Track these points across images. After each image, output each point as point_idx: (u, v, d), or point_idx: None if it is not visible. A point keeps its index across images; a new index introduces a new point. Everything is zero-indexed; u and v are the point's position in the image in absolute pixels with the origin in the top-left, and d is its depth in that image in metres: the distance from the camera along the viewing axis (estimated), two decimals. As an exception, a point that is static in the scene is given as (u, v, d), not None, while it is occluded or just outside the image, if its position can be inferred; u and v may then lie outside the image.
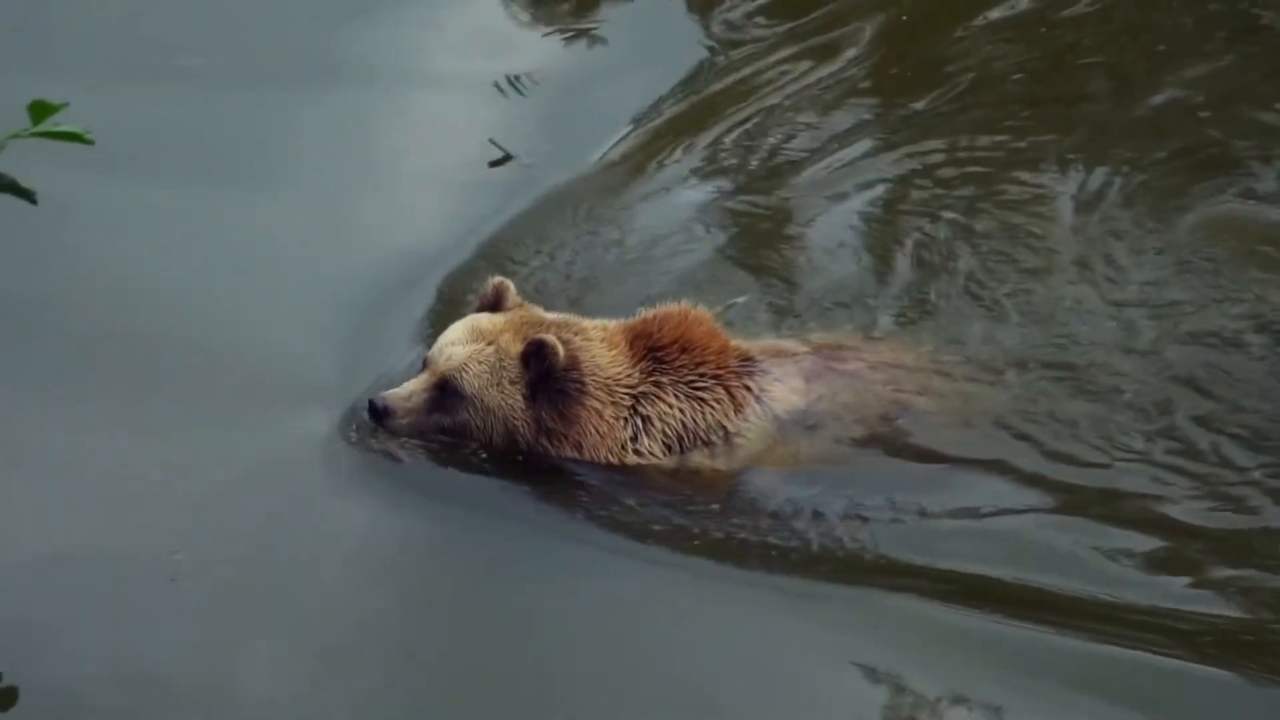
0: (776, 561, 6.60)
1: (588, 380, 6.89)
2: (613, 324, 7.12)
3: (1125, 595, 6.45)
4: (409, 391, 6.88)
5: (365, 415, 6.90)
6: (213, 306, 7.85)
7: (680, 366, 7.01)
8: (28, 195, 5.01)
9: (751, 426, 7.01)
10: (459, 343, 6.90)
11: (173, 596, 6.38)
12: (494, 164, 8.98)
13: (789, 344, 7.33)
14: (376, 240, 8.37)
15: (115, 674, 6.09)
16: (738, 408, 7.01)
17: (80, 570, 6.47)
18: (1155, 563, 6.61)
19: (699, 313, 7.11)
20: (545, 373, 6.83)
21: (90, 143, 4.90)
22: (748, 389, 7.04)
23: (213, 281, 8.01)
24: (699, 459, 6.99)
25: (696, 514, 6.83)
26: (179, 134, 8.95)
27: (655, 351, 7.01)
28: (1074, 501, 6.87)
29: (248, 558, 6.59)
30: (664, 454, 6.97)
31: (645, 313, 7.16)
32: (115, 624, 6.27)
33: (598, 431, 6.91)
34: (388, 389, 6.93)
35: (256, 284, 8.04)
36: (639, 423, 6.95)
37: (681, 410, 6.97)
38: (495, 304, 7.08)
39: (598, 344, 6.98)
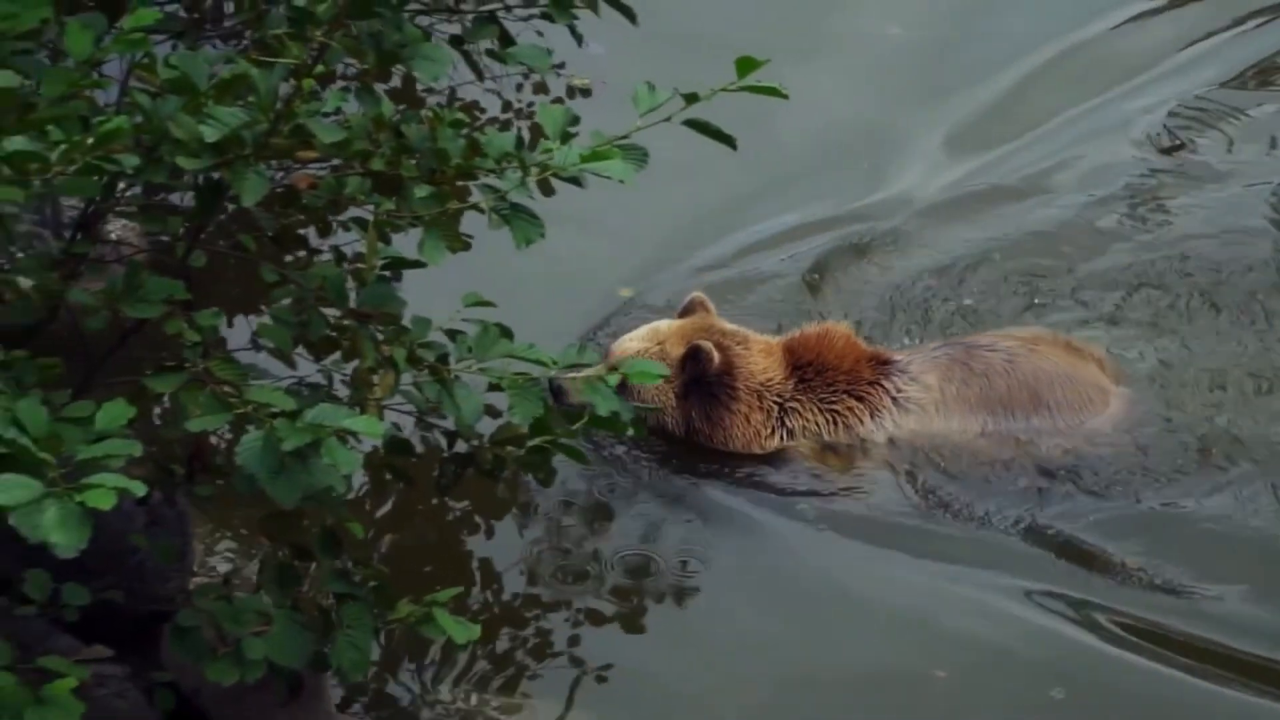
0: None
1: (739, 385, 7.49)
2: (775, 339, 7.70)
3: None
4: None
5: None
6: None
7: (817, 387, 7.57)
8: (728, 140, 5.08)
9: (885, 427, 7.50)
10: (635, 339, 7.58)
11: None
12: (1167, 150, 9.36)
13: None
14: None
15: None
16: (873, 413, 7.52)
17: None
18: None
19: (836, 329, 7.63)
20: (699, 376, 7.49)
21: (785, 97, 4.98)
22: (884, 390, 7.53)
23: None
24: (838, 461, 7.53)
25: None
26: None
27: (799, 369, 7.58)
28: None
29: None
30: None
31: (798, 330, 7.70)
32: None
33: (744, 435, 7.53)
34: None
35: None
36: (784, 434, 7.54)
37: (819, 425, 7.52)
38: (686, 314, 7.73)
39: (757, 353, 7.55)
